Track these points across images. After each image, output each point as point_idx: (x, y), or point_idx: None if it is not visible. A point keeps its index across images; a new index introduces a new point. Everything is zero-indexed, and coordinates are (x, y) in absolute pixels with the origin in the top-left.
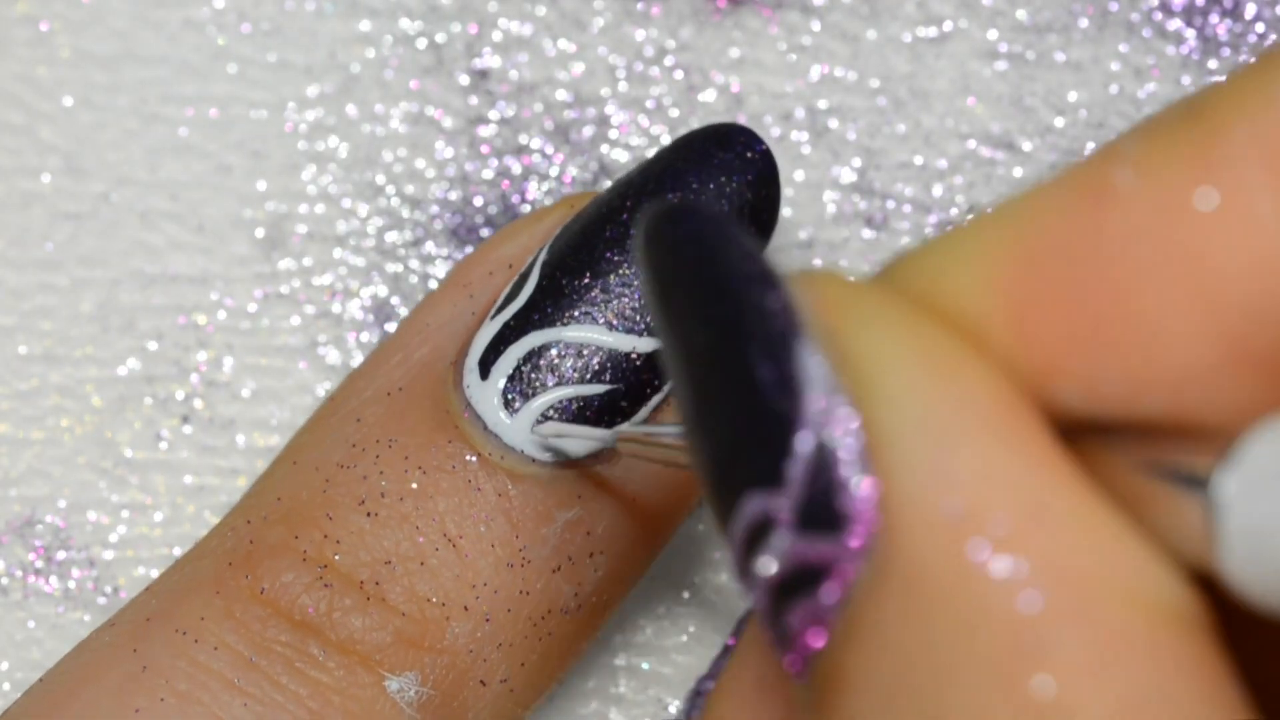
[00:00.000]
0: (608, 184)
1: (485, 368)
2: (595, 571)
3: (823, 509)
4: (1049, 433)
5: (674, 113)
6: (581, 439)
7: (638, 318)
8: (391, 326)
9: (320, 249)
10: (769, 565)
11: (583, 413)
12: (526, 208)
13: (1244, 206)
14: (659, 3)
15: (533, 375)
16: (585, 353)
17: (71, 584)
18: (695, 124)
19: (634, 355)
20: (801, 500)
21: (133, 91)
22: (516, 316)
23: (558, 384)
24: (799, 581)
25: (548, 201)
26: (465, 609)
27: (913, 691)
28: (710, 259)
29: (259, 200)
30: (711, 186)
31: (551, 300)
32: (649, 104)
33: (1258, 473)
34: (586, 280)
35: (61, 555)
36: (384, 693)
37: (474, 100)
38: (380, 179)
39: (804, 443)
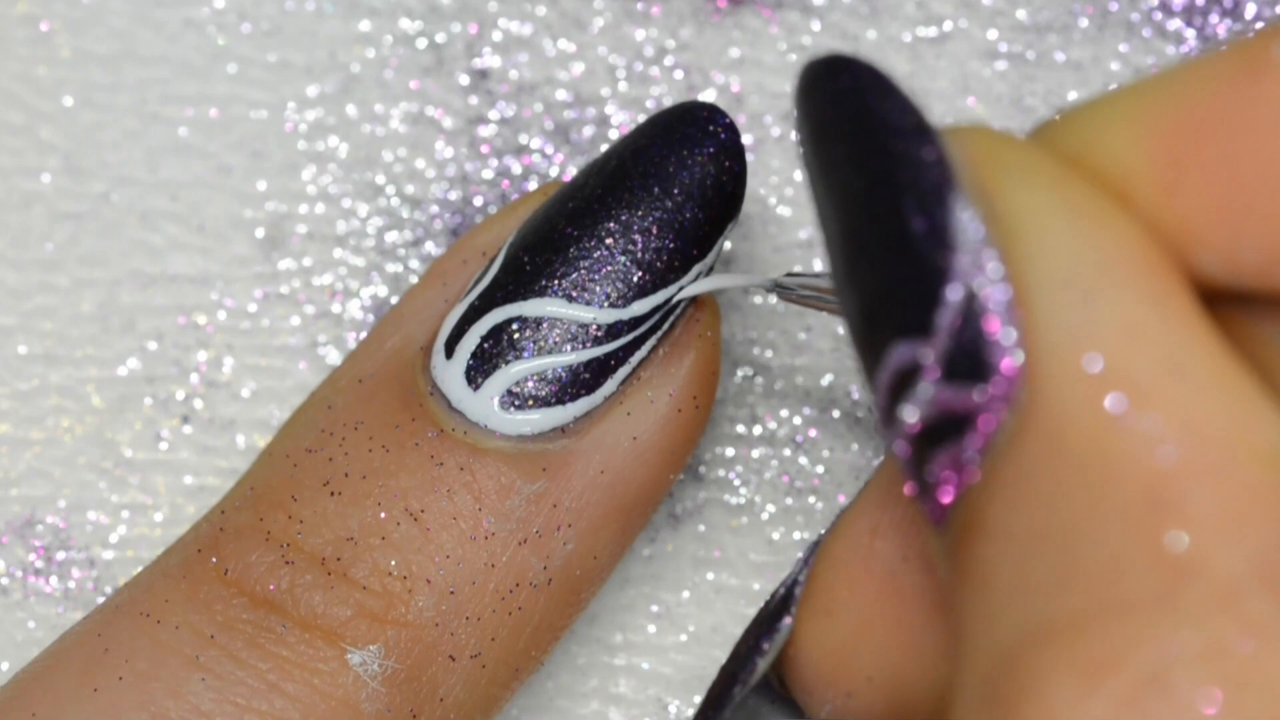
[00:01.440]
0: None
1: (450, 348)
2: (565, 545)
3: (969, 358)
4: (1191, 294)
5: None
6: (815, 291)
7: (597, 290)
8: None
9: (320, 249)
10: (913, 413)
11: (545, 385)
12: None
13: None
14: (659, 3)
15: (494, 351)
16: (545, 326)
17: (71, 584)
18: None
19: (594, 327)
20: (948, 349)
21: (133, 91)
22: (481, 296)
23: (518, 358)
24: (942, 430)
25: None
26: (428, 582)
27: (1049, 541)
28: (868, 111)
29: (259, 200)
30: (674, 160)
31: (514, 278)
32: (649, 104)
33: None
34: (547, 256)
35: (61, 555)
36: (347, 666)
37: (474, 100)
38: (380, 179)
39: (953, 293)
